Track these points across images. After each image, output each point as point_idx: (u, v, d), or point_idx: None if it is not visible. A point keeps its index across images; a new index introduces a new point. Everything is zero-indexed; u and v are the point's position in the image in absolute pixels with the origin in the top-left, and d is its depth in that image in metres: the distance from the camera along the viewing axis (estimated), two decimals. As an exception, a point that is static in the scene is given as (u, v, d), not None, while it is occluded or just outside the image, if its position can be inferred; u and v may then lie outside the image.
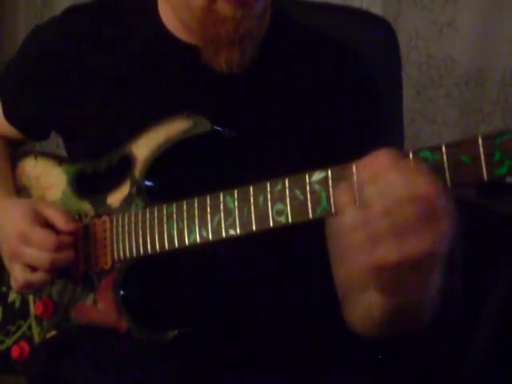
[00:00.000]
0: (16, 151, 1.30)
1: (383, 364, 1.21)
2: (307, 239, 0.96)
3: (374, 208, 0.69)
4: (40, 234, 1.04)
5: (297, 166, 0.85)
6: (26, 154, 1.25)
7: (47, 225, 1.07)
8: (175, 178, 1.02)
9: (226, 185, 0.92)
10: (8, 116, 1.25)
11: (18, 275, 1.08)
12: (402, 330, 0.90)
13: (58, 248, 1.04)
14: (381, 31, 1.47)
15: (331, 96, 1.08)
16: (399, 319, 0.84)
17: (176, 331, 0.98)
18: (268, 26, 1.09)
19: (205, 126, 0.99)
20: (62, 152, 1.25)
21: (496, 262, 1.77)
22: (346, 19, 1.53)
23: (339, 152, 0.84)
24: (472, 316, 1.71)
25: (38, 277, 1.06)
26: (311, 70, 1.09)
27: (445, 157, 0.73)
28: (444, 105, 2.09)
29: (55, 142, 1.95)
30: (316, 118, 1.07)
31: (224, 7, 0.95)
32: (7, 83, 1.25)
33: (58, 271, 1.08)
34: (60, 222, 1.06)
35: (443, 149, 0.73)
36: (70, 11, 1.19)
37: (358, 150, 0.79)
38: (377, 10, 1.99)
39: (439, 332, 1.44)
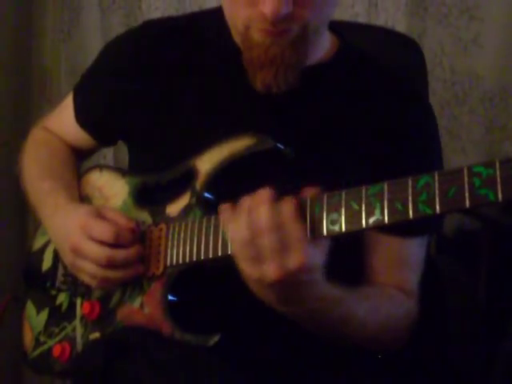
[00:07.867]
0: (81, 164, 1.35)
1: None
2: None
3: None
4: (101, 227, 1.08)
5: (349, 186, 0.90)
6: (91, 167, 1.28)
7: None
8: (233, 192, 1.05)
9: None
10: (78, 118, 1.29)
11: (93, 259, 1.09)
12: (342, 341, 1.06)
13: (117, 240, 1.08)
14: (408, 49, 1.48)
15: (390, 131, 1.15)
16: (314, 326, 1.01)
17: (218, 336, 1.00)
18: (334, 54, 1.19)
19: (268, 143, 1.04)
20: (108, 163, 1.28)
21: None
22: (372, 38, 1.54)
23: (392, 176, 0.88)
24: (497, 328, 1.71)
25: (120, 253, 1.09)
26: (370, 102, 1.16)
27: (498, 172, 0.77)
28: (468, 121, 2.09)
29: (102, 154, 1.98)
30: (371, 148, 1.13)
31: (255, 34, 1.06)
32: (82, 90, 1.31)
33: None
34: (122, 219, 1.10)
35: (497, 164, 0.77)
36: (148, 25, 1.25)
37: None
38: (402, 27, 2.00)
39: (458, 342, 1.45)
